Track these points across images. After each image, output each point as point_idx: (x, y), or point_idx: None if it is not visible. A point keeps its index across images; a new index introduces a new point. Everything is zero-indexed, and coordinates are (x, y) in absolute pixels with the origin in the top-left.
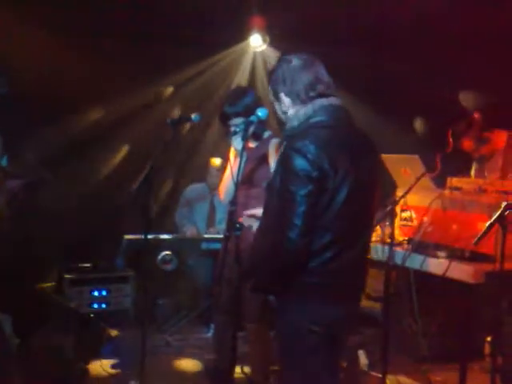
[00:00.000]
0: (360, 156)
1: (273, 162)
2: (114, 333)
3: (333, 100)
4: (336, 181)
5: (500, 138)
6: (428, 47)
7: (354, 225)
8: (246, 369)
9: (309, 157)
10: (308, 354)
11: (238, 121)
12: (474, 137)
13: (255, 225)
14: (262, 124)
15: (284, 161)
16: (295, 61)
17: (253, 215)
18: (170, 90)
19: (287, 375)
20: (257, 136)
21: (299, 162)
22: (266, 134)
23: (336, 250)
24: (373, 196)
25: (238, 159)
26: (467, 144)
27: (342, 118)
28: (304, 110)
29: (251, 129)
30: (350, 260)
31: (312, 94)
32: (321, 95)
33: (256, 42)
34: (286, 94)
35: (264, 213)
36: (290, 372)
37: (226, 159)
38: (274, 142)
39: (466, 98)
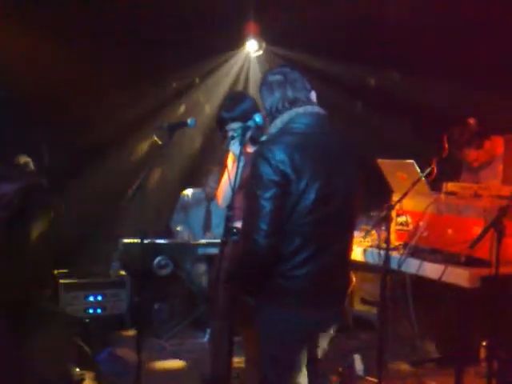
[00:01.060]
0: (332, 162)
1: None
2: (109, 338)
3: (309, 108)
4: (299, 185)
5: (497, 144)
6: (426, 54)
7: (326, 229)
8: (242, 373)
9: (271, 162)
10: (282, 355)
11: (236, 125)
12: (468, 142)
13: None
14: (260, 129)
15: (252, 166)
16: (270, 78)
17: (238, 228)
18: None
19: (265, 373)
20: (255, 140)
21: (263, 167)
22: (264, 139)
23: (307, 254)
24: (349, 200)
25: (236, 164)
26: (466, 151)
27: (316, 124)
28: (280, 119)
29: (249, 134)
30: (325, 264)
31: (287, 105)
32: (297, 105)
33: (252, 48)
34: (265, 110)
35: (242, 219)
36: (269, 372)
37: (223, 164)
38: None
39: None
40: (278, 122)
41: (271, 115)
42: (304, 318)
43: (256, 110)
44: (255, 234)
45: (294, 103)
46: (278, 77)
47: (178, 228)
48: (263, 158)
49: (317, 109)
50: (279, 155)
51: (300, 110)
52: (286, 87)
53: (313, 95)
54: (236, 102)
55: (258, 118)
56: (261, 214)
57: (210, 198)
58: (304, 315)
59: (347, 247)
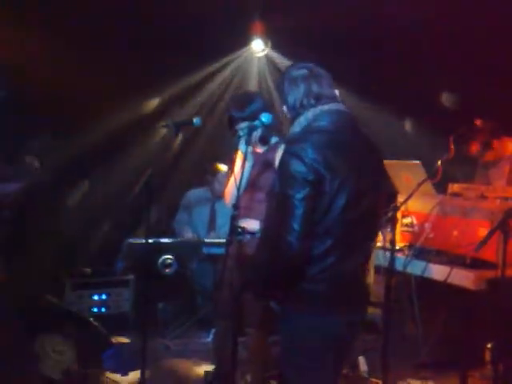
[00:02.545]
0: (361, 161)
1: None
2: (114, 338)
3: (334, 105)
4: (334, 185)
5: (506, 144)
6: (427, 57)
7: (355, 230)
8: (246, 374)
9: (305, 160)
10: (310, 363)
11: (245, 125)
12: (480, 142)
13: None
14: (269, 129)
15: (282, 165)
16: (294, 72)
17: (243, 228)
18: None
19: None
20: (264, 141)
21: (296, 165)
22: (274, 140)
23: (337, 256)
24: (376, 201)
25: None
26: (474, 148)
27: (342, 122)
28: (304, 116)
29: (256, 133)
30: (353, 267)
31: (312, 101)
32: (322, 102)
33: (258, 47)
34: (288, 105)
35: (266, 219)
36: (293, 380)
37: (231, 163)
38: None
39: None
40: (303, 120)
41: (295, 110)
42: (333, 322)
43: (264, 109)
44: (288, 236)
45: (319, 100)
46: (302, 71)
47: (183, 228)
48: (296, 156)
49: (341, 106)
50: (312, 153)
51: (325, 107)
52: (311, 82)
53: (337, 92)
54: (246, 102)
55: (264, 117)
56: (294, 215)
57: (218, 195)
58: (334, 319)
59: (371, 250)
